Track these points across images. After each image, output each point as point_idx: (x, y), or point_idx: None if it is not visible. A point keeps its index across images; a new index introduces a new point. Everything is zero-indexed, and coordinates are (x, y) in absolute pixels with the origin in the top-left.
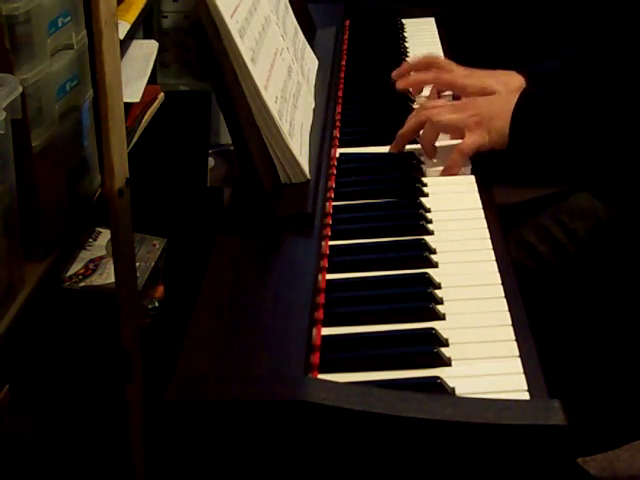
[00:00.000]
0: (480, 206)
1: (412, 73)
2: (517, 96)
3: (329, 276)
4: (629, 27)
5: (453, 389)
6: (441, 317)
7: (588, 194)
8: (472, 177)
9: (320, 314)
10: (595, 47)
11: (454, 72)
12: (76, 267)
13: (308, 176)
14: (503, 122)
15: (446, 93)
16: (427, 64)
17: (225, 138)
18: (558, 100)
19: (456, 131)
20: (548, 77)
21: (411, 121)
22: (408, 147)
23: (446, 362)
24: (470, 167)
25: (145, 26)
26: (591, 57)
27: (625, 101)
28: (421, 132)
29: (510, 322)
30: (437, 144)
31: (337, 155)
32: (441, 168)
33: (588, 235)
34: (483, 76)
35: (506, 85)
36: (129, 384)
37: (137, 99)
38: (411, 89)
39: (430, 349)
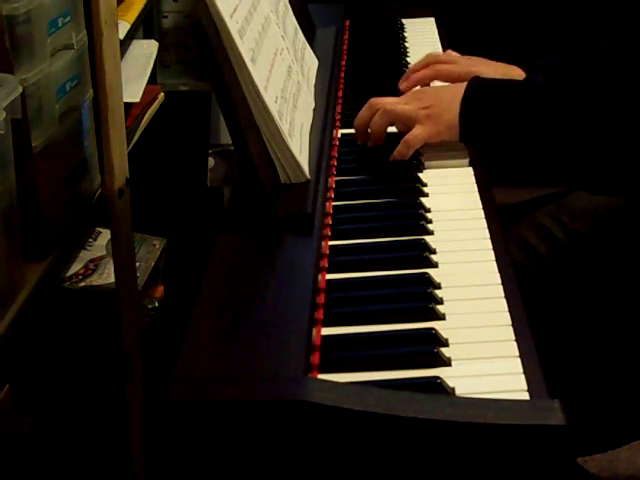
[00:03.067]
0: (480, 206)
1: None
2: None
3: (329, 276)
4: (629, 26)
5: (453, 389)
6: (441, 317)
7: (588, 194)
8: (472, 177)
9: (320, 314)
10: (594, 47)
11: (457, 63)
12: (76, 267)
13: (308, 176)
14: (453, 113)
15: None
16: (428, 64)
17: (225, 138)
18: (508, 86)
19: (407, 122)
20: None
21: (364, 111)
22: None
23: (446, 362)
24: (470, 167)
25: (145, 26)
26: (586, 56)
27: (586, 91)
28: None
29: (510, 322)
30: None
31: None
32: (441, 168)
33: (588, 235)
34: (481, 64)
35: (505, 76)
36: (129, 384)
37: (137, 99)
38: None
39: (430, 349)
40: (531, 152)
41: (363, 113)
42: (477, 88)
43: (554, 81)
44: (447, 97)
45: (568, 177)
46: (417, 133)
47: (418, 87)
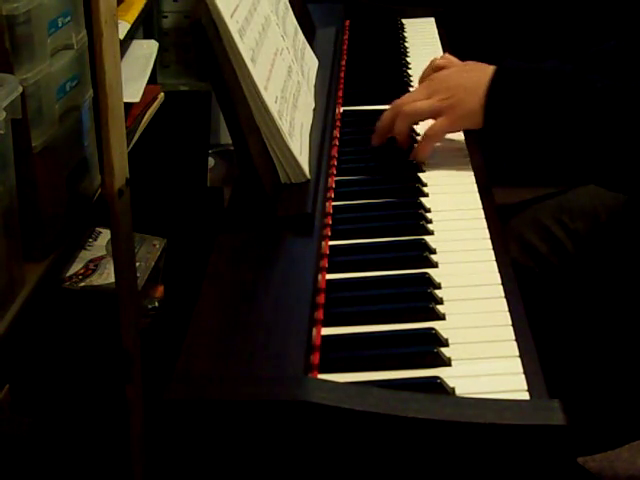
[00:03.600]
0: (480, 206)
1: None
2: (492, 70)
3: (329, 276)
4: (630, 28)
5: (453, 389)
6: (441, 317)
7: (589, 194)
8: (472, 177)
9: (320, 314)
10: (596, 48)
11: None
12: (76, 267)
13: (308, 176)
14: (476, 99)
15: None
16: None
17: (225, 138)
18: (537, 72)
19: (429, 117)
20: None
21: (386, 114)
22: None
23: (446, 362)
24: (470, 167)
25: (145, 26)
26: (587, 56)
27: (613, 85)
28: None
29: (510, 322)
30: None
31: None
32: (441, 168)
33: (589, 235)
34: None
35: None
36: (129, 384)
37: (137, 99)
38: None
39: (430, 349)
40: (558, 143)
41: (386, 115)
42: (506, 73)
43: (584, 73)
44: (469, 84)
45: (590, 172)
46: (438, 125)
47: (437, 75)
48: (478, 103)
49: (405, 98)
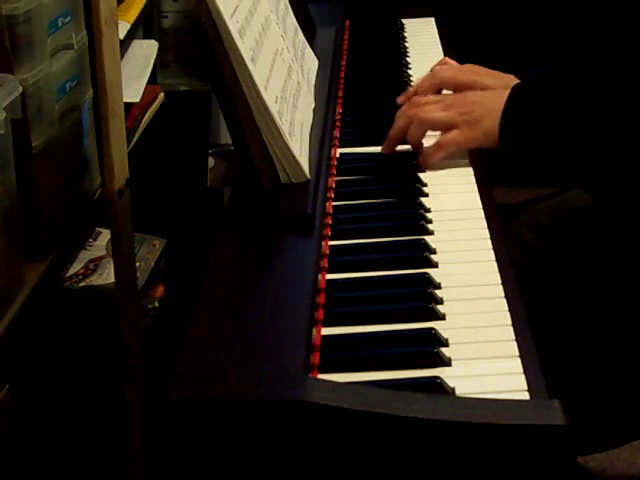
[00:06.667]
0: (480, 206)
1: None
2: (508, 93)
3: (329, 276)
4: (626, 30)
5: (453, 389)
6: (441, 317)
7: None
8: (472, 177)
9: (320, 314)
10: (592, 49)
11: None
12: (76, 267)
13: (308, 176)
14: (493, 120)
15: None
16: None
17: (225, 138)
18: (549, 97)
19: (444, 128)
20: (542, 79)
21: (400, 121)
22: (407, 147)
23: (446, 362)
24: (470, 167)
25: (145, 26)
26: (587, 59)
27: (620, 101)
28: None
29: (510, 322)
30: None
31: (337, 155)
32: (441, 168)
33: (588, 235)
34: (482, 75)
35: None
36: (129, 384)
37: (137, 99)
38: None
39: (430, 349)
40: (574, 166)
41: (399, 123)
42: (519, 99)
43: (597, 96)
44: (488, 104)
45: (608, 194)
46: (452, 137)
47: (456, 94)
48: (494, 125)
49: (421, 108)
